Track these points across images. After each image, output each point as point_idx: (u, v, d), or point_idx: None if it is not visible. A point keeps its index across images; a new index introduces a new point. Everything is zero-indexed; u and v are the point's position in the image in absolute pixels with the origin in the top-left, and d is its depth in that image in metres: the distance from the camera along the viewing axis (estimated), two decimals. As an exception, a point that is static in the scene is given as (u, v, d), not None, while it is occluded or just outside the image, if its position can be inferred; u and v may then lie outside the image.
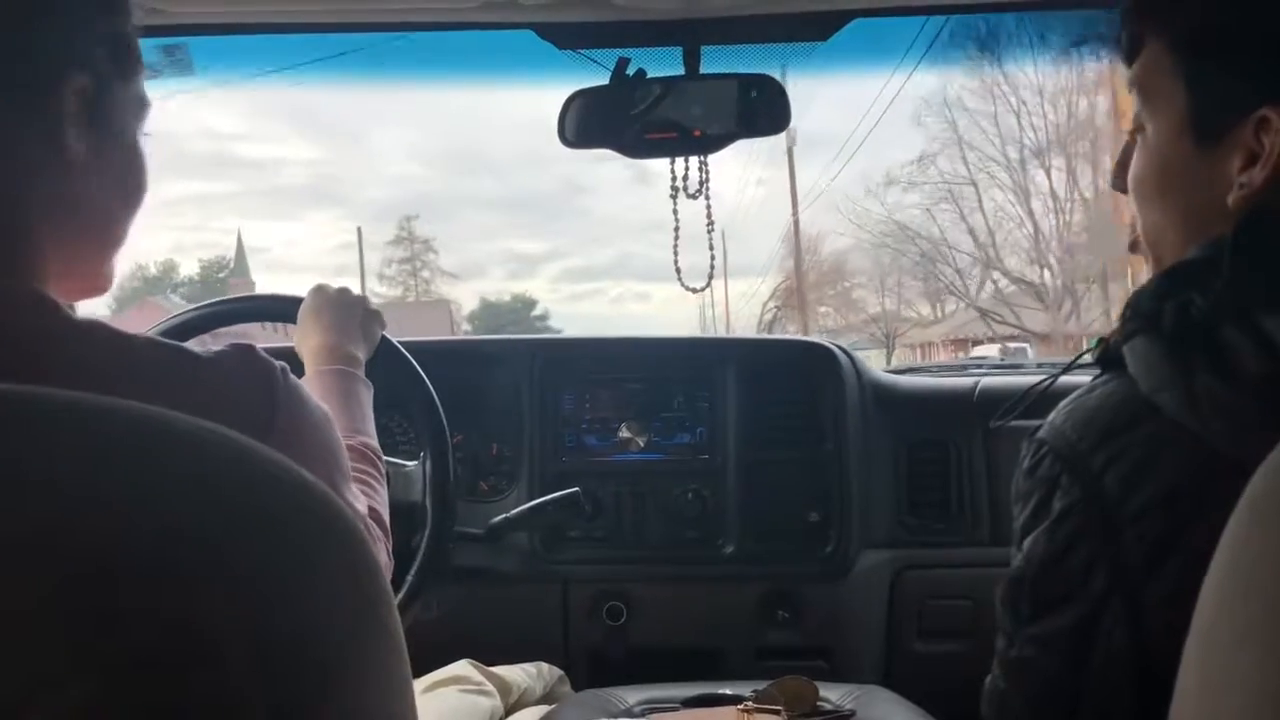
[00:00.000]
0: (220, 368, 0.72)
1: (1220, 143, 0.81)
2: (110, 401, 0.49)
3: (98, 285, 0.80)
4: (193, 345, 0.73)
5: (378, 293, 36.78)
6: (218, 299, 1.50)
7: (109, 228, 0.79)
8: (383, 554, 1.04)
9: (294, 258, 60.11)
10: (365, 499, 1.03)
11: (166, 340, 0.72)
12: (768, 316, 25.03)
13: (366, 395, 1.21)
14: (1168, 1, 0.85)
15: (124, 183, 0.78)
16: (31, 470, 0.44)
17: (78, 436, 0.47)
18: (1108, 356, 0.85)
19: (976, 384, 1.97)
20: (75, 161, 0.72)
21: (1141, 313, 0.79)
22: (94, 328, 0.69)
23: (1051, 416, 0.87)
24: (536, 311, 46.45)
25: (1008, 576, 0.88)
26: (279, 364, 0.75)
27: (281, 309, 1.40)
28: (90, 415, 0.48)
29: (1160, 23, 0.85)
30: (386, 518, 1.10)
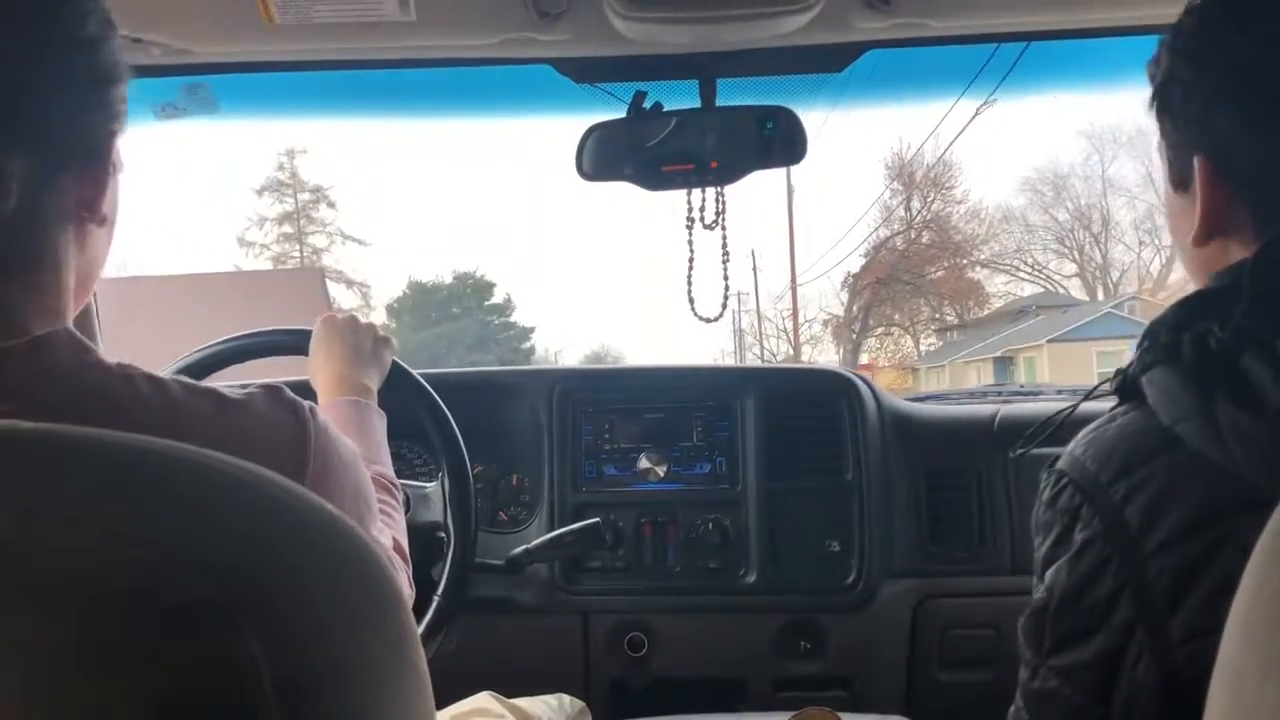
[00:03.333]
0: (252, 410, 0.73)
1: (1188, 190, 0.86)
2: (148, 440, 0.50)
3: (81, 320, 0.83)
4: (222, 386, 0.74)
5: (236, 264, 28.33)
6: (228, 337, 1.51)
7: (97, 274, 0.80)
8: (404, 583, 1.04)
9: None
10: (389, 530, 1.04)
11: (198, 384, 0.73)
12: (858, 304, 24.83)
13: (380, 425, 1.22)
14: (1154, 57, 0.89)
15: (113, 229, 0.80)
16: (69, 507, 0.45)
17: (115, 474, 0.47)
18: (1126, 387, 0.85)
19: (997, 412, 1.97)
20: (105, 217, 0.75)
21: (1160, 343, 0.80)
22: (129, 371, 0.70)
23: (1070, 447, 0.87)
24: (494, 299, 31.45)
25: (1030, 607, 0.87)
26: (307, 404, 0.76)
27: (293, 342, 1.42)
28: (129, 454, 0.49)
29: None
30: (406, 545, 1.11)
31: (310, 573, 0.49)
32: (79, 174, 0.73)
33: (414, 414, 1.42)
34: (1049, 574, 0.85)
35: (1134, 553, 0.78)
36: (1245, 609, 0.54)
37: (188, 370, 1.44)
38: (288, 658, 0.44)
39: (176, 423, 0.69)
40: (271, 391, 0.75)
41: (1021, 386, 3.89)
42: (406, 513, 1.45)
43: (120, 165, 0.79)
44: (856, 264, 26.93)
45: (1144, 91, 0.89)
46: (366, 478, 0.84)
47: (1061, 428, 1.88)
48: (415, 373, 1.47)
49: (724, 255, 1.64)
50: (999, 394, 2.47)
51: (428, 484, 1.47)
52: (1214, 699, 0.56)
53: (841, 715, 1.28)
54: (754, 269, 26.45)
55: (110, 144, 0.74)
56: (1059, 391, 2.52)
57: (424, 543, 1.40)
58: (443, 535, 1.41)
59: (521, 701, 1.50)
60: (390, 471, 1.18)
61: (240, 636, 0.43)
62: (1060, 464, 0.87)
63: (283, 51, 1.40)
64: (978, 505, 1.89)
